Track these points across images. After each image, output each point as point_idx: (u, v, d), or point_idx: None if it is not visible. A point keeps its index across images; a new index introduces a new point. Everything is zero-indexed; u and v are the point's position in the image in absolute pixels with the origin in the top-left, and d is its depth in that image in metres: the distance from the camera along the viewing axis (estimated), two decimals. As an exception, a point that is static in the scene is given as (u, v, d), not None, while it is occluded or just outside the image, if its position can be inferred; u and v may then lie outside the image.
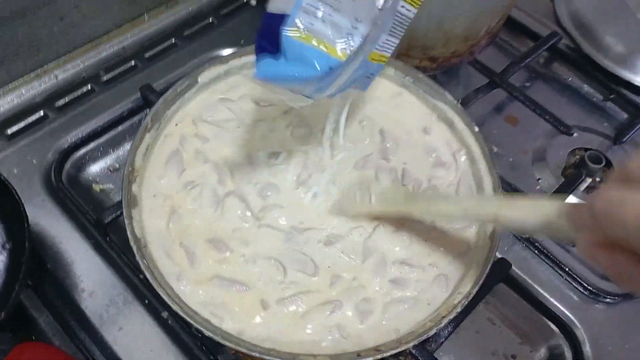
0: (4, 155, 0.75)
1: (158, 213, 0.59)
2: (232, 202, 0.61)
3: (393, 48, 0.55)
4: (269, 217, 0.60)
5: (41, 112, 0.79)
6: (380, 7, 0.48)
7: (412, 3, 0.53)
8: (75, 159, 0.76)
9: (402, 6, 0.53)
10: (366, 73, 0.56)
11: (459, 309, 0.52)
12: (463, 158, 0.66)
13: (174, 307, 0.51)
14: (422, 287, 0.57)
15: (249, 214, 0.60)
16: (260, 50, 0.48)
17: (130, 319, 0.64)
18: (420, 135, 0.68)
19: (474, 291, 0.54)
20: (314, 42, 0.47)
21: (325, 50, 0.47)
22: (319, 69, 0.47)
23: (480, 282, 0.54)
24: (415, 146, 0.67)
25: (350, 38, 0.48)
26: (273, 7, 0.48)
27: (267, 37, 0.48)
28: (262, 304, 0.55)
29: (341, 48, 0.48)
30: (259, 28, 0.48)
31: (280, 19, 0.47)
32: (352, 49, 0.48)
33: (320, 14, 0.47)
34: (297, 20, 0.47)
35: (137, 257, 0.53)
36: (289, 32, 0.47)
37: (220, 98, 0.69)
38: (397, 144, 0.67)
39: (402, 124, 0.69)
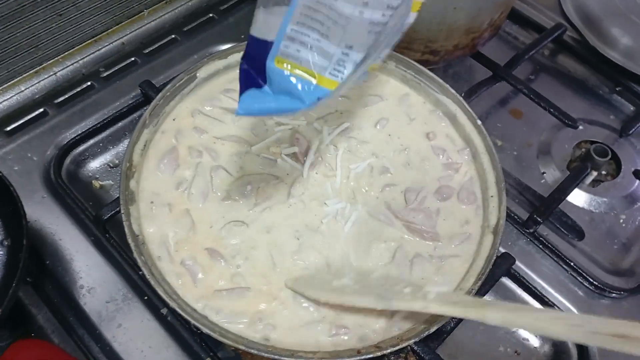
0: (4, 152, 0.74)
1: (156, 211, 0.59)
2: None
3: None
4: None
5: (41, 109, 0.78)
6: (377, 30, 0.43)
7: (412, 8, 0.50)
8: (74, 155, 0.76)
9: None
10: (362, 77, 0.54)
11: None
12: (467, 156, 0.65)
13: (172, 304, 0.50)
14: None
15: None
16: (245, 82, 0.46)
17: (130, 315, 0.63)
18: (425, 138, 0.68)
19: (477, 287, 0.53)
20: (300, 72, 0.44)
21: (313, 80, 0.44)
22: (306, 101, 0.44)
23: (483, 277, 0.53)
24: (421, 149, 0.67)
25: (341, 65, 0.44)
26: (256, 31, 0.45)
27: (252, 64, 0.45)
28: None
29: (331, 77, 0.44)
30: (244, 51, 0.46)
31: (264, 46, 0.44)
32: (343, 77, 0.45)
33: (307, 40, 0.43)
34: (282, 48, 0.44)
35: (135, 254, 0.53)
36: (273, 62, 0.44)
37: (225, 89, 0.69)
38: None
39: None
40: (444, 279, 0.56)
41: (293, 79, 0.44)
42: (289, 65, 0.44)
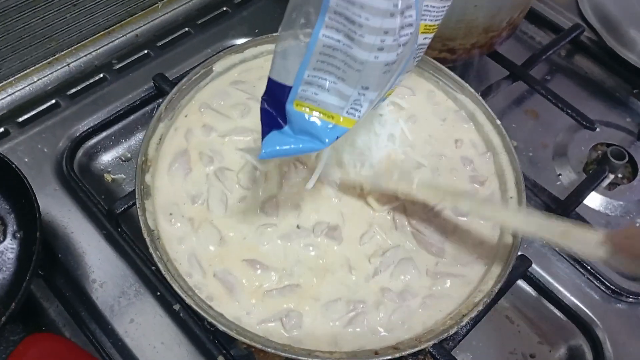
0: (16, 142, 0.74)
1: (174, 219, 0.58)
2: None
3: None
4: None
5: (53, 100, 0.78)
6: (391, 69, 0.45)
7: (428, 31, 0.51)
8: (86, 148, 0.75)
9: (424, 37, 0.51)
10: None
11: (480, 307, 0.51)
12: (488, 160, 0.64)
13: (188, 300, 0.50)
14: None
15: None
16: (267, 123, 0.47)
17: (142, 310, 0.63)
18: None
19: (496, 289, 0.52)
20: (319, 113, 0.46)
21: (331, 120, 0.46)
22: (327, 141, 0.46)
23: (503, 280, 0.53)
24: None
25: (357, 104, 0.46)
26: (275, 74, 0.46)
27: (273, 105, 0.47)
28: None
29: (349, 115, 0.46)
30: (265, 91, 0.47)
31: (283, 90, 0.45)
32: (359, 114, 0.46)
33: (324, 83, 0.45)
34: (300, 92, 0.45)
35: (151, 249, 0.52)
36: (293, 105, 0.46)
37: (233, 81, 0.68)
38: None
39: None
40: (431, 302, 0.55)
41: (312, 120, 0.46)
42: (308, 108, 0.46)
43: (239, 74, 0.69)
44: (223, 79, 0.68)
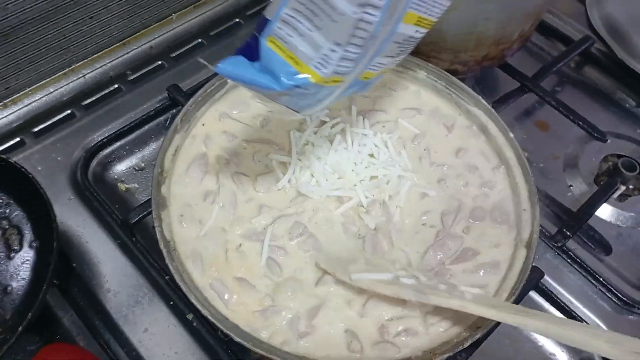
0: (31, 152, 0.75)
1: (185, 221, 0.58)
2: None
3: (396, 64, 0.54)
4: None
5: (68, 111, 0.79)
6: (366, 32, 0.44)
7: (422, 25, 0.51)
8: (100, 157, 0.76)
9: (416, 30, 0.51)
10: (362, 86, 0.54)
11: (485, 329, 0.51)
12: (502, 170, 0.65)
13: (204, 312, 0.50)
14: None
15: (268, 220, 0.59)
16: (242, 50, 0.46)
17: (156, 320, 0.63)
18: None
19: (510, 301, 0.52)
20: (287, 56, 0.45)
21: (297, 67, 0.45)
22: (282, 84, 0.45)
23: (517, 293, 0.53)
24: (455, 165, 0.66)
25: (326, 60, 0.45)
26: (267, 10, 0.46)
27: (252, 39, 0.46)
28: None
29: (314, 68, 0.45)
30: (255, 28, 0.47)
31: (263, 24, 0.46)
32: (326, 71, 0.46)
33: (299, 27, 0.44)
34: (276, 29, 0.45)
35: (167, 261, 0.52)
36: (266, 40, 0.45)
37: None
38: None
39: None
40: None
41: (277, 60, 0.45)
42: (279, 47, 0.45)
43: None
44: (243, 89, 0.68)
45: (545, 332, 0.48)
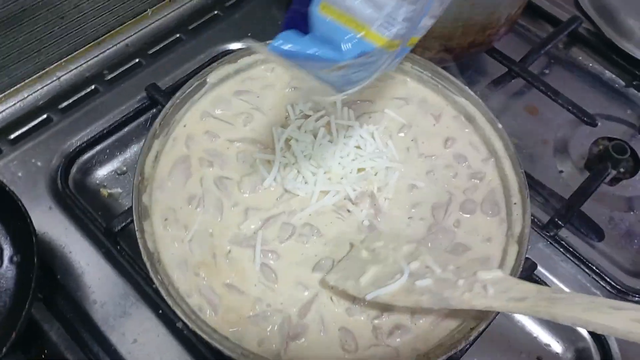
0: (8, 160, 0.72)
1: (170, 226, 0.57)
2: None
3: (427, 29, 0.50)
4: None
5: (45, 115, 0.76)
6: None
7: None
8: (80, 163, 0.74)
9: None
10: (401, 54, 0.49)
11: (488, 320, 0.50)
12: (491, 162, 0.63)
13: (192, 325, 0.49)
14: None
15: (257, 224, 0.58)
16: (288, 24, 0.41)
17: (145, 330, 0.62)
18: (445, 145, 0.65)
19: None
20: (345, 21, 0.40)
21: (359, 30, 0.40)
22: (345, 54, 0.40)
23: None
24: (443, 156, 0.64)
25: (392, 20, 0.40)
26: None
27: (297, 12, 0.41)
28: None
29: (379, 32, 0.40)
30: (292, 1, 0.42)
31: None
32: (390, 34, 0.41)
33: None
34: None
35: (151, 274, 0.51)
36: (318, 8, 0.40)
37: (236, 91, 0.67)
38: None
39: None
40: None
41: (336, 28, 0.40)
42: (334, 13, 0.40)
43: (241, 82, 0.67)
44: (224, 87, 0.67)
45: (574, 323, 0.44)
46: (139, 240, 0.53)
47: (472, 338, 0.50)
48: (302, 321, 0.52)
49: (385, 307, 0.53)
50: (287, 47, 0.40)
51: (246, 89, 0.67)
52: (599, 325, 0.43)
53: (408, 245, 0.55)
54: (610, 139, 0.80)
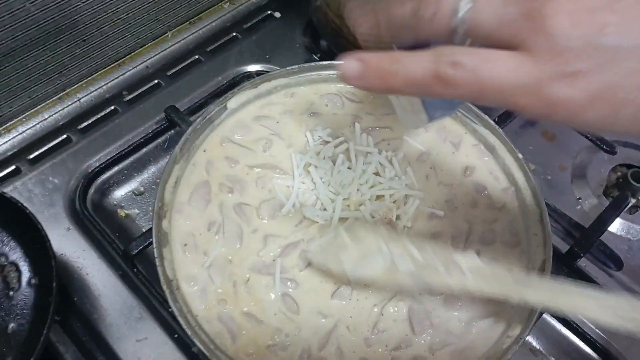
0: (27, 179, 0.73)
1: (190, 247, 0.57)
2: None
3: None
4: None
5: (64, 135, 0.77)
6: None
7: None
8: (98, 183, 0.74)
9: None
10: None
11: (509, 356, 0.50)
12: (511, 192, 0.63)
13: (209, 354, 0.49)
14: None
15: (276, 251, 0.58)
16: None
17: (160, 354, 0.62)
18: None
19: (525, 335, 0.51)
20: None
21: None
22: None
23: (531, 325, 0.51)
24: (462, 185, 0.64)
25: None
26: None
27: None
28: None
29: None
30: None
31: None
32: None
33: None
34: None
35: (170, 302, 0.51)
36: None
37: (256, 116, 0.67)
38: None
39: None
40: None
41: None
42: None
43: (261, 108, 0.68)
44: (244, 113, 0.67)
45: (544, 304, 0.47)
46: (158, 268, 0.53)
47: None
48: (321, 353, 0.52)
49: (404, 341, 0.53)
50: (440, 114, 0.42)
51: (266, 114, 0.67)
52: (567, 307, 0.46)
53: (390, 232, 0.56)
54: (629, 166, 0.80)
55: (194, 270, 0.55)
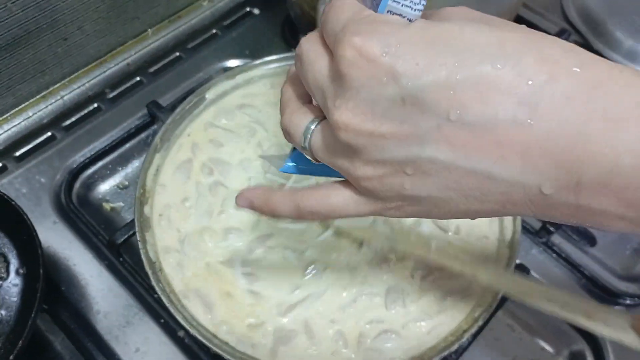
0: (14, 176, 0.75)
1: (168, 233, 0.59)
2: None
3: None
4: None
5: (49, 133, 0.78)
6: None
7: None
8: (83, 178, 0.76)
9: None
10: None
11: (480, 323, 0.52)
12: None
13: (192, 331, 0.50)
14: (441, 299, 0.56)
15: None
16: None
17: (147, 339, 0.63)
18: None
19: (494, 304, 0.53)
20: None
21: None
22: None
23: (500, 294, 0.53)
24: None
25: None
26: None
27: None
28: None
29: None
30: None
31: None
32: None
33: None
34: None
35: (153, 282, 0.53)
36: None
37: (240, 104, 0.69)
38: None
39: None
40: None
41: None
42: None
43: (243, 97, 0.70)
44: (226, 101, 0.69)
45: (489, 283, 0.54)
46: (141, 251, 0.55)
47: (464, 339, 0.51)
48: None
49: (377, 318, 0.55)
50: (298, 168, 0.44)
51: (248, 103, 0.69)
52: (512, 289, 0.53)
53: None
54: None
55: (169, 242, 0.57)
